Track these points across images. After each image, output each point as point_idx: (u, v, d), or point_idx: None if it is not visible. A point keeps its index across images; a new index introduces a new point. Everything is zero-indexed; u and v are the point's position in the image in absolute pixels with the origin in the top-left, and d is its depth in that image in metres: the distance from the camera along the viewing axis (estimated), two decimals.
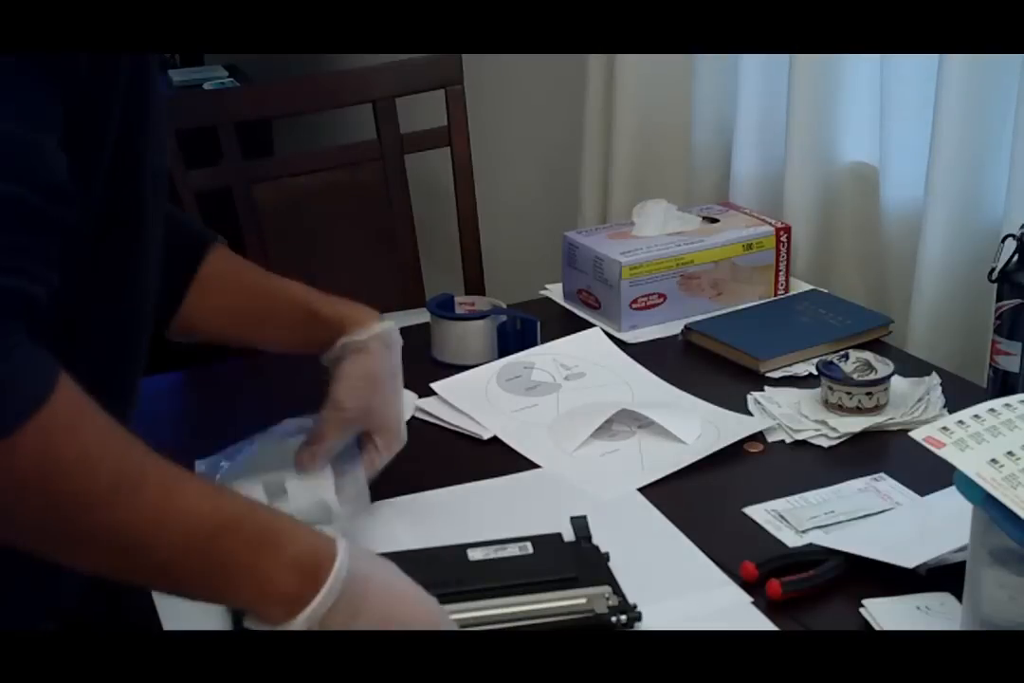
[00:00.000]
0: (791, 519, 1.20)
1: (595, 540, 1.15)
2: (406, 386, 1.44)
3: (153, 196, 0.95)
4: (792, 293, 1.71)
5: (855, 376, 1.40)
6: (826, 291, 1.71)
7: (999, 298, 1.38)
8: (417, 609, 0.91)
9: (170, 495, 0.82)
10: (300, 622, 0.83)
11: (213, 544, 0.83)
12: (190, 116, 1.87)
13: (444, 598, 0.95)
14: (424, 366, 1.53)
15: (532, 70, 2.41)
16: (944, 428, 0.95)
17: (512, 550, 1.12)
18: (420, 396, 1.44)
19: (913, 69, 1.63)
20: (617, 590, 1.07)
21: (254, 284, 1.20)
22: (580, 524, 1.16)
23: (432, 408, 1.42)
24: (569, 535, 1.15)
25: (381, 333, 1.16)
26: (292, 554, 0.84)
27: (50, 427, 0.76)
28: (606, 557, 1.12)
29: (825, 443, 1.36)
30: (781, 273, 1.71)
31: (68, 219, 0.80)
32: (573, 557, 1.12)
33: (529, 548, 1.12)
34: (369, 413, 1.15)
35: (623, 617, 1.04)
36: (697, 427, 1.37)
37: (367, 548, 0.95)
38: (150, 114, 0.91)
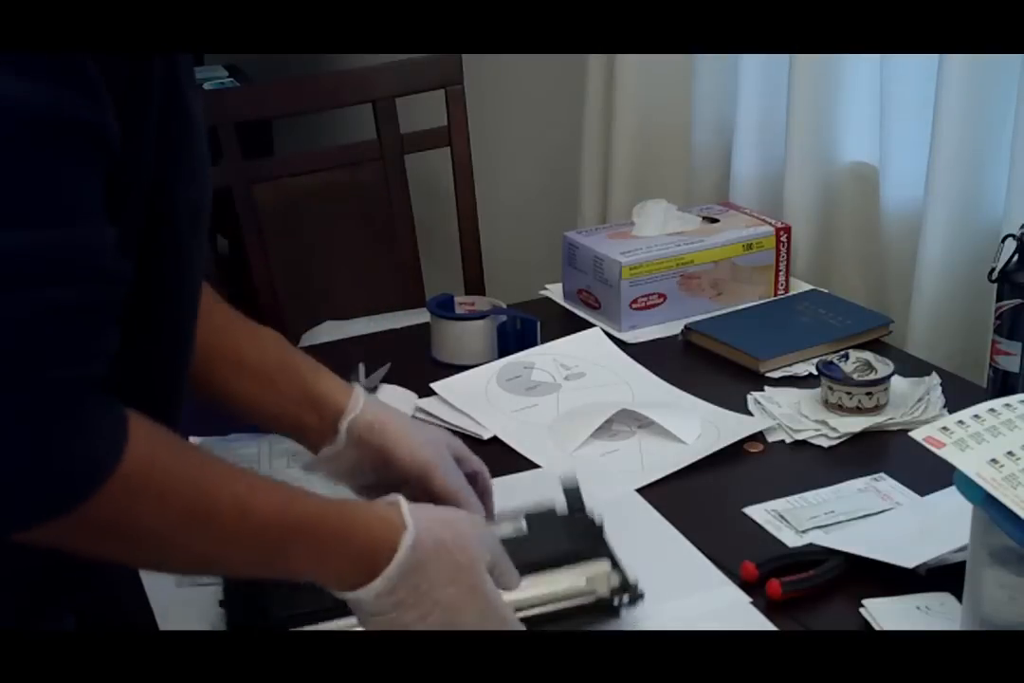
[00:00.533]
0: (791, 519, 1.20)
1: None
2: (406, 386, 1.45)
3: (191, 233, 0.91)
4: (792, 293, 1.71)
5: (855, 376, 1.40)
6: (826, 291, 1.71)
7: (999, 298, 1.38)
8: (474, 595, 0.92)
9: (243, 515, 0.83)
10: (360, 595, 0.87)
11: (283, 549, 0.86)
12: None
13: None
14: (424, 366, 1.53)
15: (532, 70, 2.41)
16: (944, 428, 0.95)
17: (506, 529, 1.10)
18: (420, 396, 1.44)
19: (913, 69, 1.63)
20: (616, 563, 1.06)
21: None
22: (573, 495, 1.14)
23: (432, 408, 1.42)
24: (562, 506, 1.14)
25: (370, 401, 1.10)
26: (356, 548, 0.87)
27: (123, 490, 0.77)
28: (601, 527, 1.11)
29: (825, 443, 1.36)
30: (781, 273, 1.71)
31: (125, 281, 0.80)
32: (568, 531, 1.11)
33: (523, 526, 1.10)
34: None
35: (626, 597, 1.04)
36: (697, 427, 1.37)
37: (440, 517, 0.95)
38: (183, 142, 0.87)
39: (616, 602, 1.04)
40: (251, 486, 0.85)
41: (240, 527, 0.83)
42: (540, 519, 1.12)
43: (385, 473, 1.07)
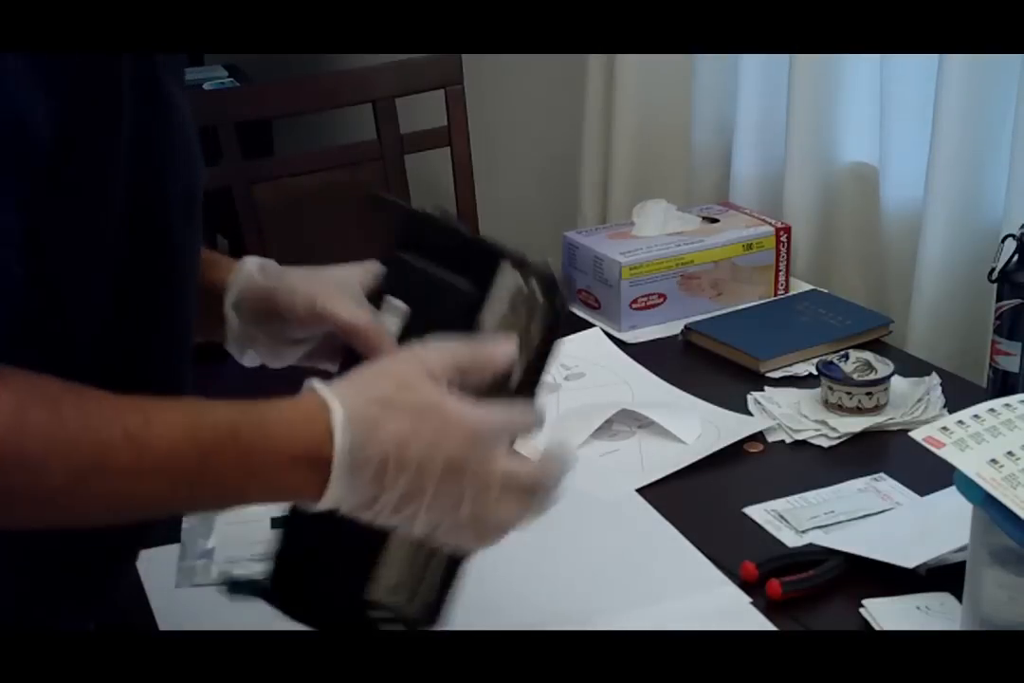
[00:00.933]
0: (791, 519, 1.20)
1: (595, 540, 1.14)
2: None
3: (185, 223, 0.90)
4: (792, 293, 1.71)
5: (855, 376, 1.40)
6: (826, 291, 1.71)
7: (999, 298, 1.38)
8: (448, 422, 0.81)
9: (140, 453, 0.76)
10: (328, 503, 0.79)
11: (205, 476, 0.78)
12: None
13: None
14: None
15: (532, 70, 2.41)
16: (944, 428, 0.95)
17: (392, 322, 0.94)
18: None
19: (913, 69, 1.63)
20: (519, 261, 0.91)
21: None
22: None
23: None
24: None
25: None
26: (287, 452, 0.79)
27: None
28: (476, 239, 0.94)
29: (825, 443, 1.36)
30: (781, 273, 1.71)
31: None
32: (441, 274, 0.93)
33: (400, 305, 0.94)
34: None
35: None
36: (697, 427, 1.37)
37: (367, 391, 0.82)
38: (169, 129, 0.86)
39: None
40: (146, 419, 0.77)
41: (142, 466, 0.76)
42: (406, 281, 0.95)
43: (290, 333, 0.99)
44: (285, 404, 0.81)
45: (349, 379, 0.82)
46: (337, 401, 0.79)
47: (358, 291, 0.97)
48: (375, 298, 0.95)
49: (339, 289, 0.97)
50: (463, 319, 0.90)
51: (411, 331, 0.92)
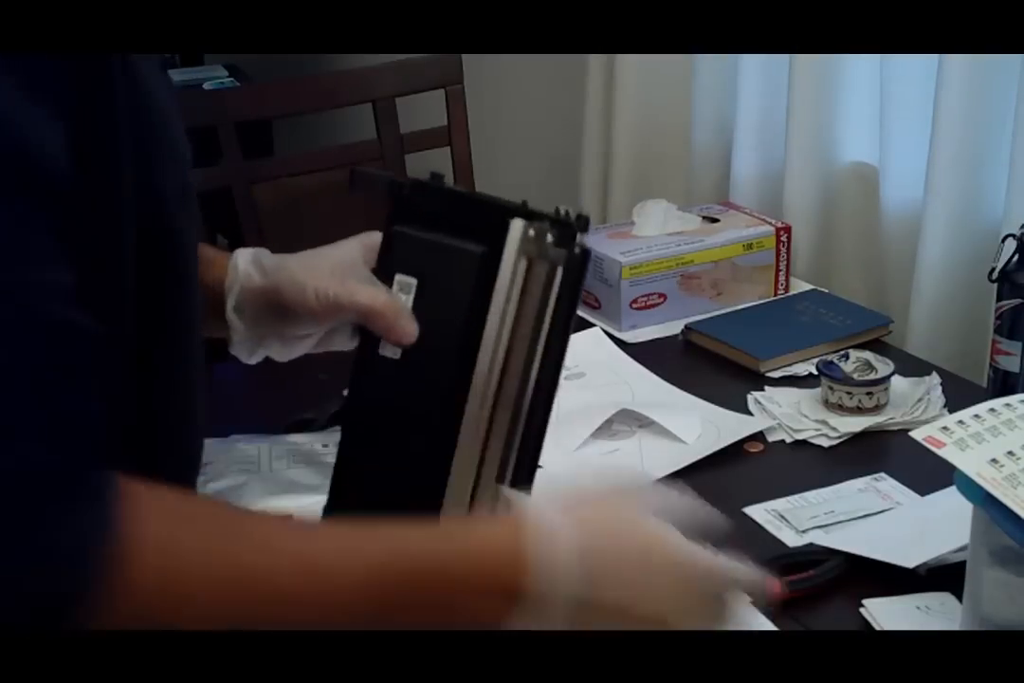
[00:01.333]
0: (791, 519, 1.20)
1: None
2: None
3: (188, 222, 0.87)
4: (792, 293, 1.71)
5: (855, 376, 1.40)
6: (826, 291, 1.71)
7: (999, 298, 1.38)
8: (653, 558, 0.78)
9: (308, 578, 0.72)
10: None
11: (387, 607, 0.74)
12: (190, 116, 1.86)
13: None
14: None
15: (532, 70, 2.41)
16: (944, 428, 0.95)
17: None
18: None
19: (913, 69, 1.63)
20: (533, 213, 0.86)
21: None
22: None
23: None
24: None
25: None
26: (479, 586, 0.75)
27: (137, 577, 0.67)
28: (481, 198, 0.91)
29: (825, 443, 1.36)
30: (781, 273, 1.71)
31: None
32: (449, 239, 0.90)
33: (409, 289, 0.91)
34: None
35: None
36: (697, 427, 1.37)
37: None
38: (156, 131, 0.83)
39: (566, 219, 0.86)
40: (302, 548, 0.72)
41: (310, 591, 0.71)
42: (410, 255, 0.91)
43: (304, 328, 0.98)
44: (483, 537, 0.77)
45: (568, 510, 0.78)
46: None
47: (363, 270, 0.95)
48: (381, 274, 0.93)
49: (347, 272, 0.95)
50: (477, 282, 0.87)
51: (425, 304, 0.90)
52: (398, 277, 0.91)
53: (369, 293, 0.92)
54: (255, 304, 0.99)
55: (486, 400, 0.89)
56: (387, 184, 0.93)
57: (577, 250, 0.87)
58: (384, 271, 0.92)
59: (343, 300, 0.93)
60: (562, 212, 0.87)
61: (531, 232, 0.87)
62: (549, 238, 0.87)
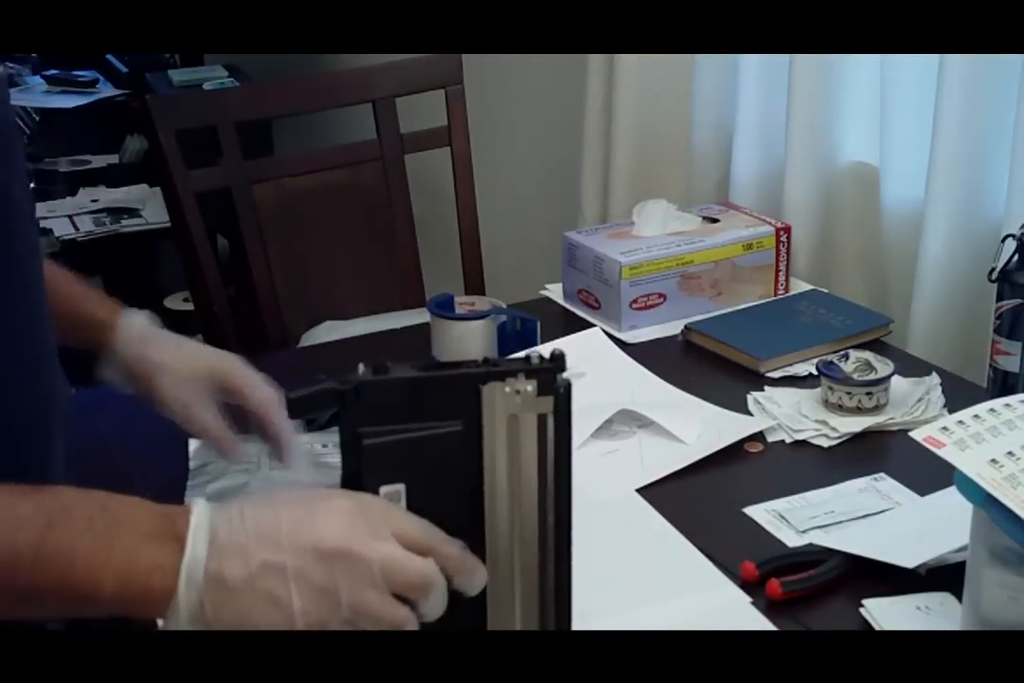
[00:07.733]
0: (791, 519, 1.20)
1: (595, 540, 1.14)
2: None
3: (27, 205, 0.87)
4: (792, 293, 1.71)
5: (855, 376, 1.40)
6: (826, 291, 1.71)
7: (999, 298, 1.38)
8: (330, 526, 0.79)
9: None
10: (181, 596, 0.77)
11: (46, 545, 0.77)
12: (190, 116, 1.87)
13: None
14: None
15: (532, 70, 2.41)
16: (944, 428, 0.95)
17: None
18: None
19: (913, 69, 1.63)
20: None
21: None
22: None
23: None
24: None
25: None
26: (143, 529, 0.78)
27: None
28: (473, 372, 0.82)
29: (825, 443, 1.36)
30: (781, 273, 1.71)
31: None
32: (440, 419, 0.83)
33: (400, 496, 0.83)
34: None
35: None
36: (697, 427, 1.37)
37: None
38: None
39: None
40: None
41: None
42: (387, 457, 0.83)
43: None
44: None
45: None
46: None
47: (207, 397, 1.10)
48: (349, 483, 0.83)
49: (197, 390, 1.10)
50: (466, 455, 0.81)
51: (422, 493, 0.82)
52: (384, 489, 0.82)
53: (207, 420, 1.11)
54: (129, 370, 1.14)
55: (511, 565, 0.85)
56: (332, 396, 0.83)
57: (562, 391, 0.82)
58: (357, 484, 0.82)
59: (191, 415, 1.10)
60: (533, 359, 0.82)
61: (507, 390, 0.81)
62: (529, 389, 0.81)
